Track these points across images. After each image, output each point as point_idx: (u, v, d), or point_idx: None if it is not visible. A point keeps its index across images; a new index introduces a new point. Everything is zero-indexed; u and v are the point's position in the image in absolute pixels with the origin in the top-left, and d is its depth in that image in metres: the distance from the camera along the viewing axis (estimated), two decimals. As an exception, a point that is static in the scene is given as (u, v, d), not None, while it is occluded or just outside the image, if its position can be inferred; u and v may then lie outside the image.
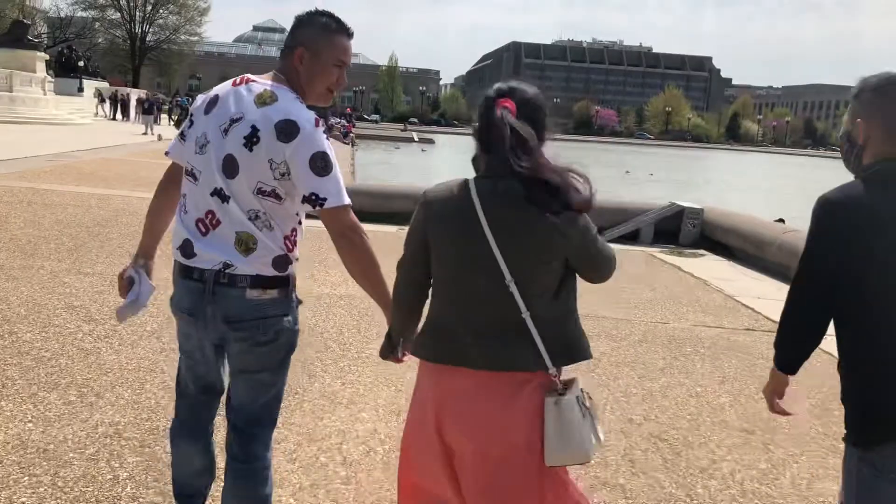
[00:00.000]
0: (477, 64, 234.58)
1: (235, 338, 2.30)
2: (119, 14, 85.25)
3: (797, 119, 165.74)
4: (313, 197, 2.22)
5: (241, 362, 2.37)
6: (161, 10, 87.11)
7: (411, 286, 2.24)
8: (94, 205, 10.83)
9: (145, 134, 30.81)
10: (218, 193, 2.26)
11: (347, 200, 2.26)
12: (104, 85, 55.10)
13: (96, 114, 44.20)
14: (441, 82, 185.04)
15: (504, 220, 2.01)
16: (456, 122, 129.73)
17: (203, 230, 2.29)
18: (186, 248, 2.31)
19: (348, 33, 2.37)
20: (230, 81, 2.40)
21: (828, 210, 1.97)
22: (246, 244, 2.24)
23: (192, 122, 2.40)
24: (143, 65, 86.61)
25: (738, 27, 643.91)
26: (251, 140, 2.21)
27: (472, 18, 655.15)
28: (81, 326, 5.20)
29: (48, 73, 42.36)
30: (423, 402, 2.18)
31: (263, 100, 2.25)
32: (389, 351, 2.39)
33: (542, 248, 2.03)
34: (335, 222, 2.27)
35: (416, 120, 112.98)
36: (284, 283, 2.32)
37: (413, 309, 2.28)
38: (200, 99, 2.42)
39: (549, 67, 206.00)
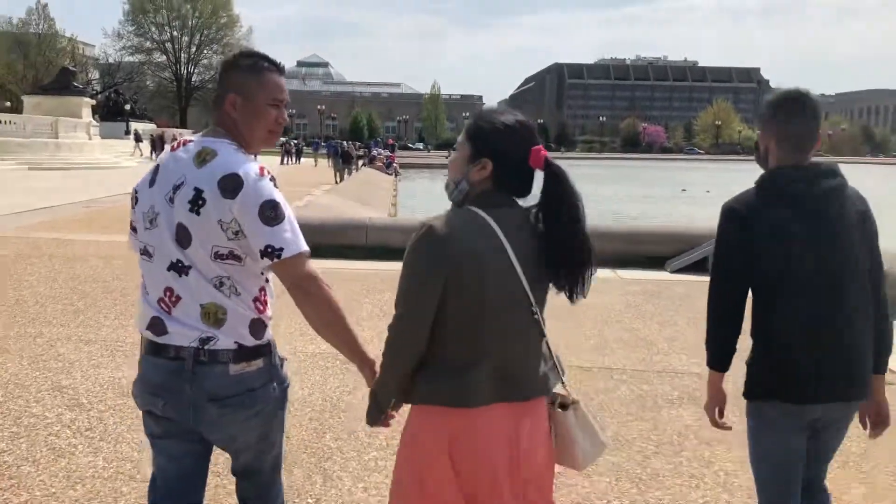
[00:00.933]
0: (520, 87, 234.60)
1: (220, 413, 2.16)
2: (165, 57, 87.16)
3: (854, 126, 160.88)
4: (269, 249, 2.08)
5: (230, 431, 2.24)
6: (205, 51, 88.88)
7: (422, 337, 2.00)
8: (117, 255, 10.15)
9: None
10: (174, 267, 2.13)
11: (305, 247, 2.12)
12: (151, 126, 55.80)
13: (133, 153, 44.27)
14: (484, 107, 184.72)
15: (525, 250, 2.00)
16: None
17: (166, 309, 2.16)
18: (157, 326, 2.17)
19: (279, 70, 2.25)
20: (169, 147, 2.29)
21: (728, 217, 2.34)
22: (214, 316, 2.12)
23: (136, 199, 2.25)
24: (189, 105, 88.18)
25: (786, 35, 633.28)
26: (196, 203, 2.08)
27: (513, 42, 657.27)
28: (62, 415, 4.38)
29: (94, 118, 42.95)
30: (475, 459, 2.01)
31: (203, 158, 2.13)
32: (380, 415, 2.18)
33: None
34: (290, 272, 2.11)
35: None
36: (267, 351, 2.23)
37: (415, 363, 2.04)
38: (143, 177, 2.29)
39: (593, 87, 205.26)
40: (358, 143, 57.73)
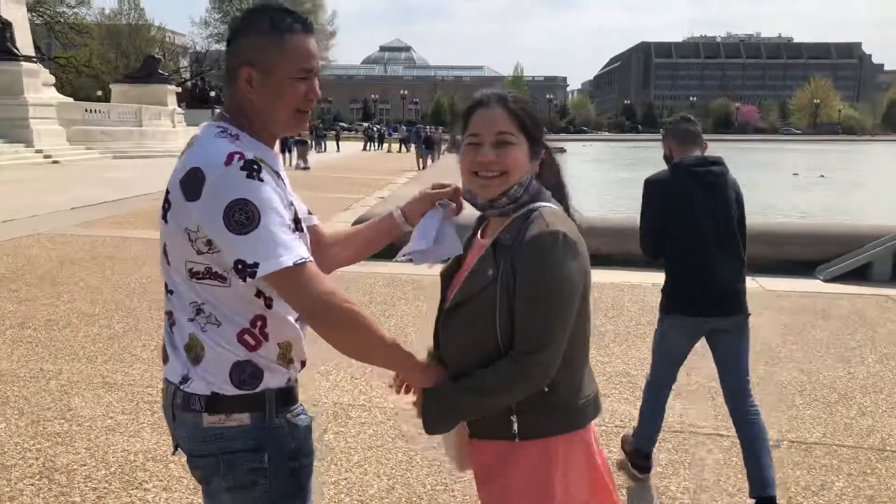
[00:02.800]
0: (605, 67, 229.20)
1: (200, 477, 1.75)
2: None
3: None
4: (240, 265, 1.58)
5: (219, 499, 1.76)
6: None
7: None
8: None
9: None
10: (167, 288, 1.76)
11: (292, 260, 1.57)
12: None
13: None
14: (568, 88, 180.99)
15: None
16: (585, 129, 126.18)
17: (169, 334, 1.77)
18: (164, 352, 1.81)
19: (306, 28, 1.72)
20: None
21: (649, 186, 3.45)
22: (195, 350, 1.70)
23: None
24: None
25: (889, 5, 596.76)
26: (164, 208, 1.68)
27: (598, 21, 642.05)
28: (39, 526, 3.08)
29: (180, 106, 42.86)
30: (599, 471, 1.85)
31: (183, 152, 1.70)
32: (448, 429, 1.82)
33: None
34: (284, 293, 1.63)
35: (544, 129, 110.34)
36: (258, 405, 1.70)
37: None
38: None
39: (681, 66, 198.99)
40: (441, 128, 56.25)
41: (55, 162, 25.91)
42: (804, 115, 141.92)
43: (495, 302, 1.68)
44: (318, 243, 1.97)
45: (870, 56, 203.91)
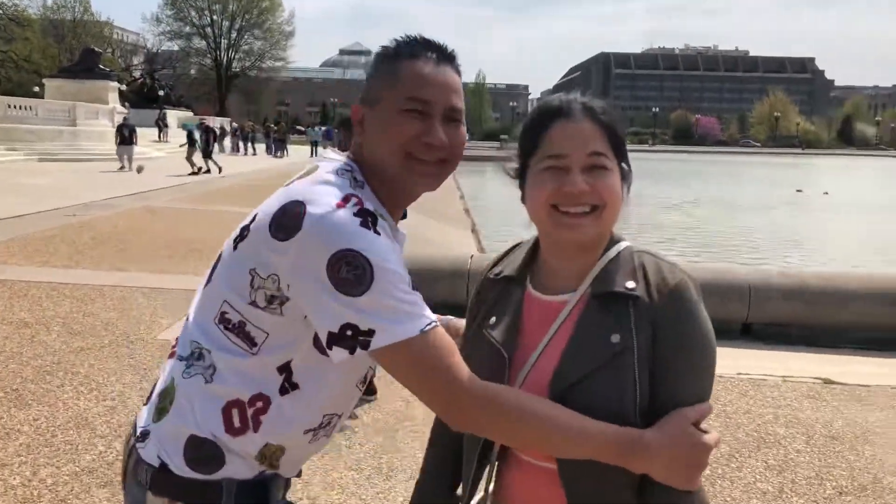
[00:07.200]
0: (564, 77, 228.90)
1: None
2: (205, 42, 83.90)
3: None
4: (347, 333, 1.26)
5: None
6: (246, 36, 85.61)
7: None
8: (60, 314, 5.86)
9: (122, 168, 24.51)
10: (189, 316, 1.46)
11: (419, 326, 1.27)
12: (188, 114, 52.02)
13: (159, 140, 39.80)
14: (530, 97, 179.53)
15: None
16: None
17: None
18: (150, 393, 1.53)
19: (427, 53, 1.40)
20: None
21: None
22: (163, 401, 1.40)
23: None
24: (230, 93, 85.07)
25: (841, 24, 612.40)
26: (241, 235, 1.37)
27: (561, 31, 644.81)
28: None
29: (125, 105, 39.13)
30: None
31: (291, 181, 1.41)
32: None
33: None
34: (411, 378, 1.30)
35: (506, 136, 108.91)
36: (211, 496, 1.35)
37: None
38: None
39: (641, 77, 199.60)
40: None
41: (-35, 165, 22.26)
42: (763, 128, 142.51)
43: (633, 374, 1.32)
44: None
45: (823, 71, 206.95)
